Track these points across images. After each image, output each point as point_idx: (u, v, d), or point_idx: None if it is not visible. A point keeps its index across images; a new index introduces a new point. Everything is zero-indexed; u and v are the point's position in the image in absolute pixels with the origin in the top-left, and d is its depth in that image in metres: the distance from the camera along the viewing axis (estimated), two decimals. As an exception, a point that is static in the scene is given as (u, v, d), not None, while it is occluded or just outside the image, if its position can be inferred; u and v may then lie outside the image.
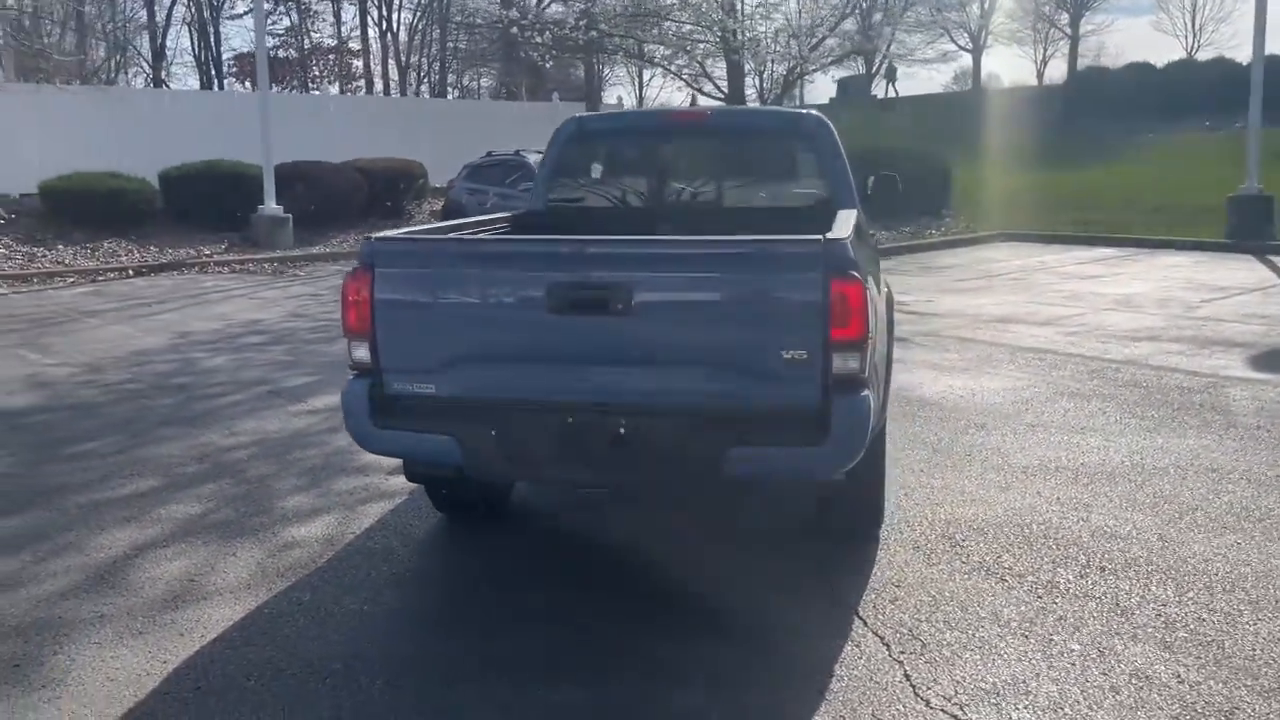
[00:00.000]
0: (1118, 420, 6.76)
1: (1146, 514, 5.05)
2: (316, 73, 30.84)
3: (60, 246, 16.41)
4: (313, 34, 36.37)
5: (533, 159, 14.99)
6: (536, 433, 3.86)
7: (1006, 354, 8.94)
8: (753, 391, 3.70)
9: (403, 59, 46.30)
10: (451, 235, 4.18)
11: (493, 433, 3.81)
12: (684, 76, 18.32)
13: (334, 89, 30.53)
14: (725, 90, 17.15)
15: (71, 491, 5.53)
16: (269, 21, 34.62)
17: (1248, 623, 3.90)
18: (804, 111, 5.73)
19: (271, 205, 17.77)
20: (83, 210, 17.05)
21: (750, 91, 17.80)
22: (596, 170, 5.80)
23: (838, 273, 3.57)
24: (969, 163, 28.03)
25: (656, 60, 16.08)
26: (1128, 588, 4.22)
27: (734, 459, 3.66)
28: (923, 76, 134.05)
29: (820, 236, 3.60)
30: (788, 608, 4.08)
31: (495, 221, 5.37)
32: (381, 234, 3.98)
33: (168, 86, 42.25)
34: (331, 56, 32.18)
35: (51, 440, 6.59)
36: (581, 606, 4.12)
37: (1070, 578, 4.33)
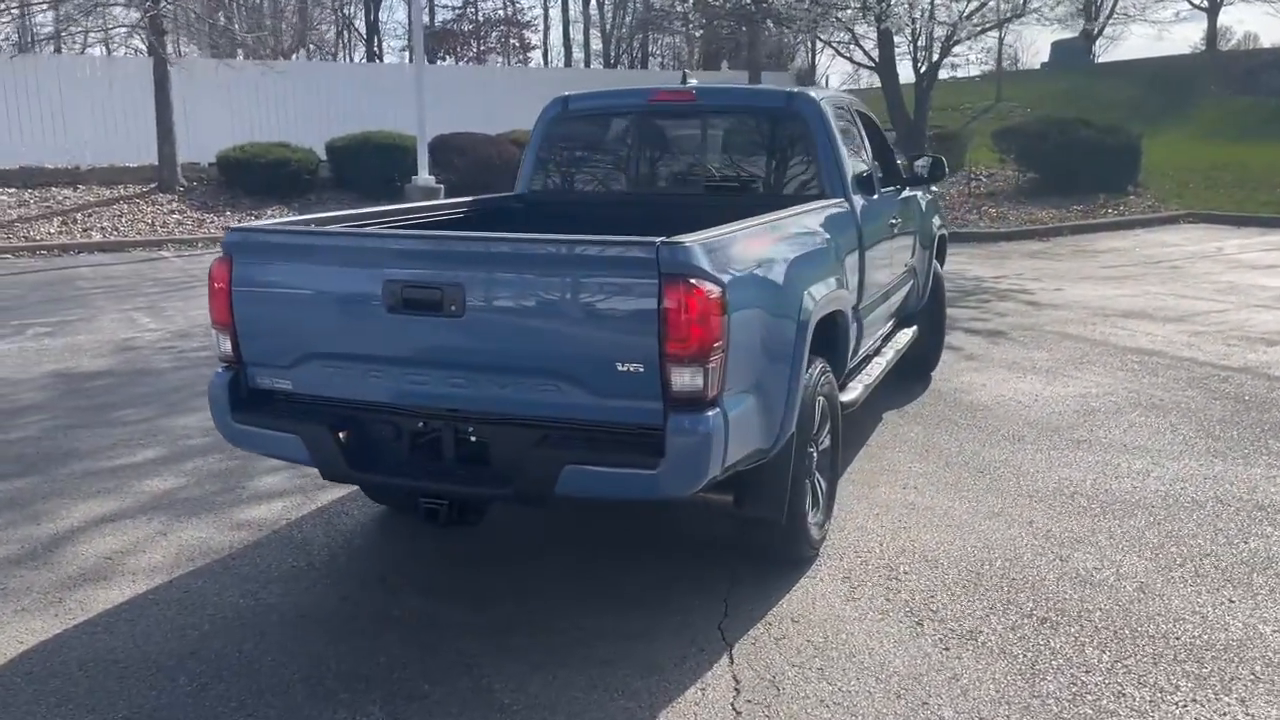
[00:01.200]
0: (1184, 440, 5.94)
1: (1142, 557, 4.38)
2: (491, 44, 31.57)
3: (228, 213, 17.47)
4: (515, 5, 37.00)
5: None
6: (379, 438, 3.71)
7: (1105, 354, 8.06)
8: (591, 405, 3.40)
9: (606, 29, 46.75)
10: (309, 228, 4.04)
11: (341, 435, 3.68)
12: (833, 44, 17.56)
13: (506, 61, 31.31)
14: (875, 59, 16.27)
15: (75, 458, 5.80)
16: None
17: (1176, 703, 3.29)
18: (793, 91, 5.25)
19: (424, 175, 18.22)
20: (252, 178, 18.09)
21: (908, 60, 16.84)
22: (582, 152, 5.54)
23: (676, 280, 3.21)
24: (1178, 133, 25.74)
25: (799, 27, 15.34)
26: (1058, 646, 3.66)
27: (568, 477, 3.38)
28: (1176, 37, 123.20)
29: (656, 239, 3.23)
30: (661, 637, 3.75)
31: (457, 207, 5.22)
32: (243, 224, 3.89)
33: (380, 59, 44.43)
34: (505, 28, 32.81)
35: (96, 405, 6.96)
36: (452, 618, 3.93)
37: (998, 628, 3.79)
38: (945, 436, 6.06)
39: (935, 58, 16.33)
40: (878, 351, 6.05)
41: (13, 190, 18.09)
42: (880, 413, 6.51)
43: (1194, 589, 4.08)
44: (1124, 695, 3.34)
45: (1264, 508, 4.92)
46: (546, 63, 37.73)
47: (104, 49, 28.55)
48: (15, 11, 17.52)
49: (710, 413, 3.31)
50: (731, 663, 3.59)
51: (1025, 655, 3.60)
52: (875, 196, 5.61)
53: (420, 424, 3.68)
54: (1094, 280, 11.76)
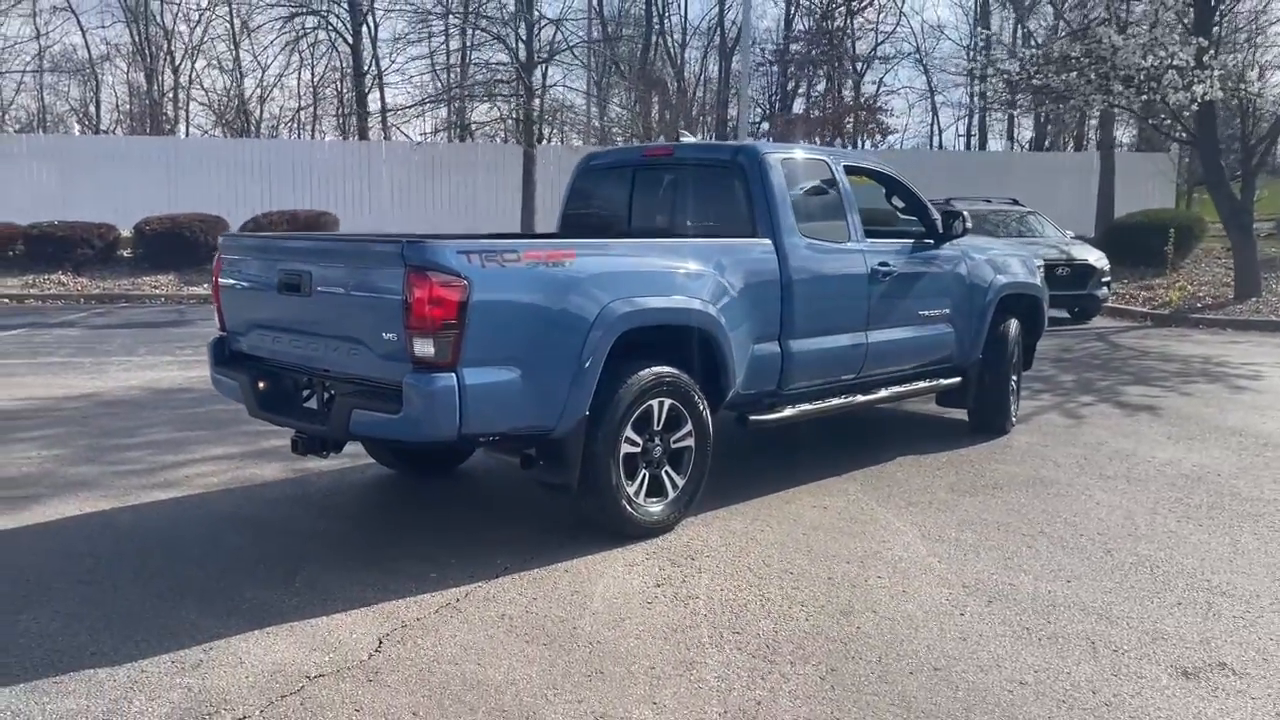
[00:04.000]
0: (1178, 510, 5.67)
1: (943, 588, 4.56)
2: (849, 129, 32.54)
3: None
4: (861, 92, 37.04)
5: (964, 206, 13.85)
6: (284, 388, 5.06)
7: (1236, 437, 7.45)
8: (371, 365, 4.51)
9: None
10: (259, 234, 5.47)
11: (260, 385, 5.08)
12: (1151, 121, 16.44)
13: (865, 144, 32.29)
14: (1193, 131, 15.13)
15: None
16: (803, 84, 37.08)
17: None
18: (740, 145, 5.96)
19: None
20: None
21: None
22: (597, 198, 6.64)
23: (417, 270, 4.25)
24: None
25: (1112, 103, 14.62)
26: (748, 634, 4.12)
27: (356, 419, 4.50)
28: None
29: (401, 238, 4.31)
30: (455, 564, 4.68)
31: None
32: (230, 233, 5.45)
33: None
34: (862, 114, 33.63)
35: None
36: (342, 536, 5.16)
37: (720, 610, 4.30)
38: (923, 477, 6.24)
39: (1261, 135, 14.87)
40: (865, 389, 6.40)
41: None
42: (896, 455, 6.76)
43: (961, 632, 4.21)
44: (705, 684, 3.79)
45: (1146, 563, 4.77)
46: (901, 146, 38.17)
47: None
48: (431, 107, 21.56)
49: (440, 375, 4.27)
50: (477, 584, 4.45)
51: (715, 627, 4.11)
52: (848, 244, 6.09)
53: (305, 379, 4.98)
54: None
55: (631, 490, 4.98)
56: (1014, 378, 7.50)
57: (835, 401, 6.16)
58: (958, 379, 7.05)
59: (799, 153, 6.21)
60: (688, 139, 6.52)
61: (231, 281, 5.30)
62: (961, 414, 7.56)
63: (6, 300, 17.42)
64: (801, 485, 6.02)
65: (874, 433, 7.58)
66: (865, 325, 6.22)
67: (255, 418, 5.23)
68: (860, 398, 6.34)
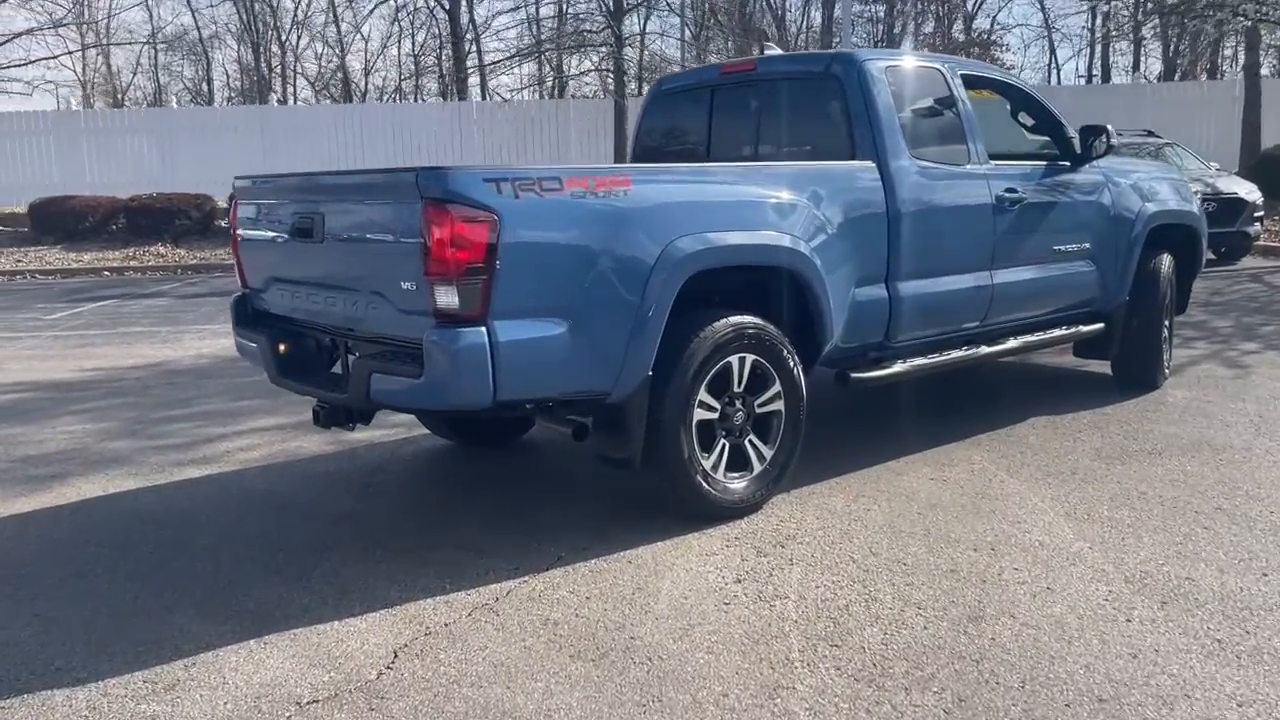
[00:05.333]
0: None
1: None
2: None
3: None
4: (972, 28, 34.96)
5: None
6: (306, 351, 4.38)
7: None
8: (392, 321, 3.78)
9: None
10: (280, 174, 4.73)
11: (280, 348, 4.42)
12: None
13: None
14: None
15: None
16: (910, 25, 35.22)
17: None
18: (838, 53, 5.01)
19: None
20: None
21: None
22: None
23: (436, 204, 3.48)
24: None
25: (1264, 15, 12.95)
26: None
27: (376, 384, 3.78)
28: None
29: (415, 168, 3.54)
30: (504, 552, 3.97)
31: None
32: (245, 174, 4.76)
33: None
34: (975, 50, 31.54)
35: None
36: (377, 519, 4.49)
37: (804, 605, 3.47)
38: (1062, 442, 5.27)
39: None
40: (990, 339, 5.45)
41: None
42: (1027, 416, 5.79)
43: (1130, 646, 3.35)
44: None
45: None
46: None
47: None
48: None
49: (467, 330, 3.52)
50: (522, 579, 3.72)
51: (807, 638, 3.30)
52: (968, 166, 5.14)
53: (328, 340, 4.29)
54: None
55: (708, 464, 4.16)
56: (1166, 323, 6.37)
57: (955, 354, 5.22)
58: (1100, 325, 5.99)
59: (907, 60, 5.22)
60: (774, 52, 5.64)
61: (247, 231, 4.64)
62: (1104, 366, 6.51)
63: (108, 272, 17.45)
64: (915, 454, 5.11)
65: (1000, 390, 6.60)
66: (990, 264, 5.26)
67: (276, 385, 4.57)
68: (985, 349, 5.39)
